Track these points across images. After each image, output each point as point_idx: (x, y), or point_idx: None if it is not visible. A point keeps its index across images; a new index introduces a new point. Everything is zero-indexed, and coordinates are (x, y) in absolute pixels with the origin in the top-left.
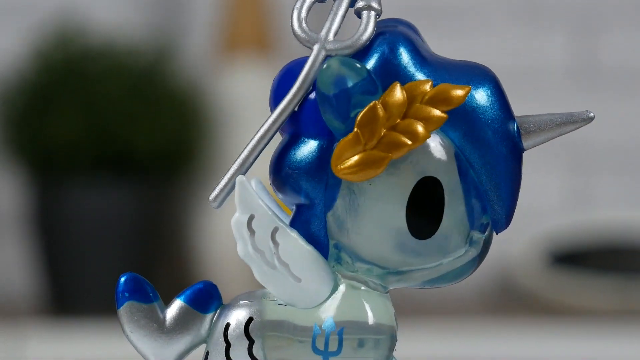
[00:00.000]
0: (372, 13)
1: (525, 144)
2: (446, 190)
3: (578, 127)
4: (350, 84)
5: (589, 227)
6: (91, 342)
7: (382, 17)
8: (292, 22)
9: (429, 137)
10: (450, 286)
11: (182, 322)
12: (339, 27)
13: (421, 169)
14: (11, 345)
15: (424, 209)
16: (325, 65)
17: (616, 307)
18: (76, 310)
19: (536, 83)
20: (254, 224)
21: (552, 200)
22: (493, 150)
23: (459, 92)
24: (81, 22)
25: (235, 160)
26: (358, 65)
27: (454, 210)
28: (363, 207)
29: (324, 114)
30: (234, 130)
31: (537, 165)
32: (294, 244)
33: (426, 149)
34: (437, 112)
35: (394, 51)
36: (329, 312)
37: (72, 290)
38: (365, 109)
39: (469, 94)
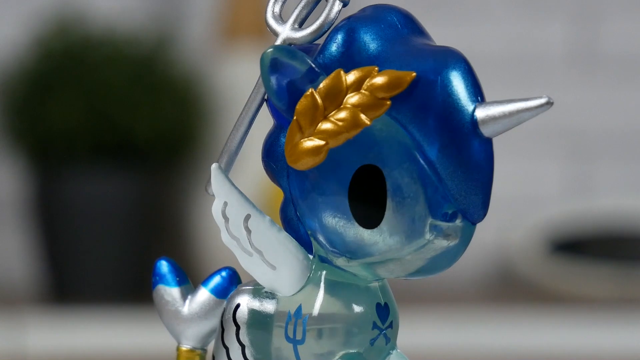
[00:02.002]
0: (336, 1)
1: (485, 131)
2: (388, 178)
3: (537, 113)
4: (282, 72)
5: (589, 214)
6: (91, 330)
7: (380, 2)
8: (265, 12)
9: (367, 124)
10: (450, 274)
11: (203, 308)
12: (305, 16)
13: (362, 157)
14: (11, 333)
15: (365, 198)
16: (261, 55)
17: (616, 295)
18: (76, 297)
19: (535, 71)
20: (227, 210)
21: (552, 187)
22: (446, 138)
23: (400, 78)
24: (81, 9)
25: (223, 149)
26: (292, 53)
27: (400, 199)
28: (314, 196)
29: (273, 102)
30: (233, 118)
31: (536, 153)
32: (266, 230)
33: (367, 136)
34: (377, 99)
35: (349, 38)
36: (300, 300)
37: (71, 278)
38: (303, 97)
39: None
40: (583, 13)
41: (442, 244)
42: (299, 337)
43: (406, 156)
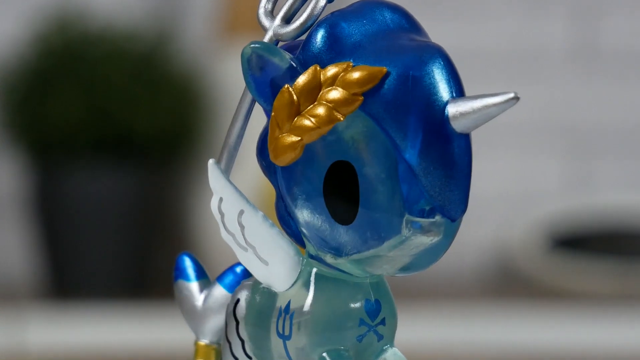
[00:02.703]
0: None
1: (456, 126)
2: (361, 174)
3: (504, 109)
4: (261, 68)
5: (589, 210)
6: (91, 326)
7: None
8: (258, 7)
9: (340, 119)
10: (450, 269)
11: (217, 303)
12: (293, 12)
13: (335, 153)
14: (11, 329)
15: (339, 194)
16: (241, 52)
17: (616, 291)
18: (76, 293)
19: (536, 67)
20: (222, 206)
21: (552, 183)
22: (418, 134)
23: (371, 74)
24: (81, 6)
25: (223, 145)
26: (271, 50)
27: (373, 195)
28: (297, 192)
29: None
30: (232, 114)
31: (536, 149)
32: (259, 226)
33: (341, 132)
34: (347, 95)
35: (329, 34)
36: (290, 296)
37: (72, 274)
38: (279, 93)
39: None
40: (583, 9)
41: (423, 240)
42: (286, 332)
43: (379, 152)
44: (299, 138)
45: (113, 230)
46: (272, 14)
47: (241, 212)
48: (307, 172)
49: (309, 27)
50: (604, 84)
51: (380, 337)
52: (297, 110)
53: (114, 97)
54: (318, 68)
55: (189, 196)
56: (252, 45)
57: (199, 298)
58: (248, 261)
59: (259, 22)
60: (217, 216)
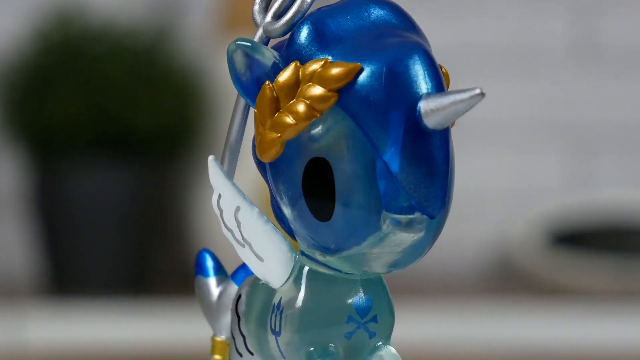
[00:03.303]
0: None
1: (427, 123)
2: (336, 170)
3: (471, 105)
4: (242, 65)
5: (589, 207)
6: (91, 322)
7: None
8: (253, 4)
9: (316, 116)
10: (450, 266)
11: (228, 299)
12: (285, 8)
13: (312, 150)
14: (11, 325)
15: (316, 190)
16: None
17: (616, 288)
18: (76, 289)
19: (535, 64)
20: (221, 202)
21: (552, 180)
22: (392, 130)
23: (345, 70)
24: (81, 3)
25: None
26: (254, 47)
27: (349, 191)
28: (282, 188)
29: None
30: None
31: (536, 146)
32: (254, 222)
33: (318, 129)
34: (322, 91)
35: (312, 30)
36: (282, 292)
37: (71, 270)
38: (260, 90)
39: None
40: (583, 6)
41: (404, 237)
42: (277, 328)
43: (356, 149)
44: (279, 135)
45: (113, 227)
46: (265, 11)
47: (238, 209)
48: (289, 168)
49: (296, 23)
50: (603, 81)
51: (372, 335)
52: (277, 106)
53: (114, 94)
54: (298, 64)
55: (189, 193)
56: (236, 43)
57: (214, 294)
58: (246, 257)
59: (253, 19)
60: (217, 212)
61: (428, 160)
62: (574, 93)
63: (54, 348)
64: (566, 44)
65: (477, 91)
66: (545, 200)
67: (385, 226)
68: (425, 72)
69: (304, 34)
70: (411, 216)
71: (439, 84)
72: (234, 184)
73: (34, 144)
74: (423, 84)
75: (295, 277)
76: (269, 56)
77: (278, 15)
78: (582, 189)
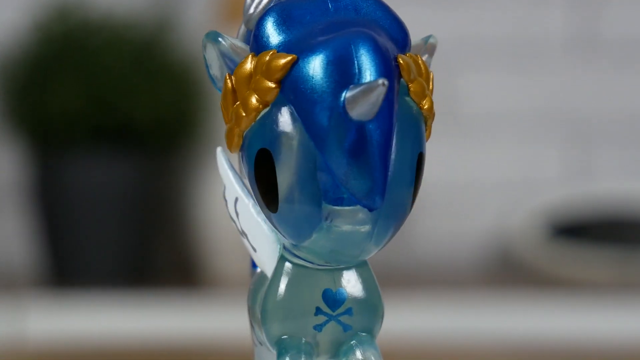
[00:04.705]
0: None
1: (351, 113)
2: (277, 161)
3: (378, 95)
4: (211, 57)
5: (589, 199)
6: (91, 314)
7: None
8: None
9: (259, 107)
10: (450, 257)
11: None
12: (264, 2)
13: (260, 141)
14: (11, 317)
15: (263, 182)
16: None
17: (616, 280)
18: (76, 281)
19: (535, 55)
20: (225, 193)
21: (552, 172)
22: (323, 121)
23: (280, 62)
24: None
25: None
26: (219, 40)
27: (290, 182)
28: (249, 182)
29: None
30: None
31: (536, 137)
32: (248, 213)
33: (266, 120)
34: (267, 83)
35: (270, 21)
36: (266, 283)
37: (72, 262)
38: (223, 83)
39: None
40: None
41: (349, 229)
42: (258, 320)
43: (294, 139)
44: (236, 126)
45: (113, 219)
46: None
47: (236, 200)
48: (248, 159)
49: (254, 16)
50: (603, 73)
51: (346, 328)
52: (235, 98)
53: (114, 85)
54: (253, 56)
55: (189, 184)
56: (206, 36)
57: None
58: (246, 247)
59: (243, 12)
60: (224, 202)
61: (360, 153)
62: (574, 85)
63: (54, 340)
64: (566, 36)
65: (380, 82)
66: (545, 192)
67: (327, 218)
68: (360, 63)
69: (262, 25)
70: (350, 208)
71: (379, 74)
72: (236, 175)
73: (33, 136)
74: (351, 75)
75: (275, 269)
76: (235, 49)
77: (256, 8)
78: (582, 181)
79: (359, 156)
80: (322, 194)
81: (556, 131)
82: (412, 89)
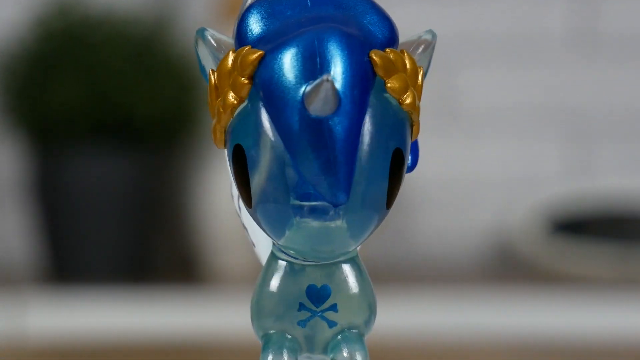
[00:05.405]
0: None
1: (309, 109)
2: (248, 156)
3: (326, 90)
4: (201, 52)
5: (589, 195)
6: (91, 310)
7: None
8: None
9: (234, 103)
10: (450, 253)
11: None
12: None
13: (236, 136)
14: (11, 312)
15: (239, 177)
16: None
17: (616, 275)
18: (76, 277)
19: (535, 51)
20: (232, 189)
21: (553, 168)
22: (285, 117)
23: (250, 57)
24: None
25: None
26: (205, 37)
27: (260, 178)
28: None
29: None
30: None
31: (536, 133)
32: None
33: (240, 117)
34: (240, 79)
35: (248, 18)
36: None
37: (72, 258)
38: (208, 79)
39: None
40: None
41: (318, 225)
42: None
43: (263, 135)
44: (218, 122)
45: (113, 215)
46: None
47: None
48: (228, 155)
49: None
50: (604, 69)
51: (331, 324)
52: (217, 94)
53: (114, 82)
54: (230, 52)
55: (189, 180)
56: (196, 32)
57: None
58: (250, 242)
59: (240, 8)
60: (231, 198)
61: (321, 148)
62: (574, 81)
63: (54, 335)
64: (566, 32)
65: (324, 77)
66: (545, 188)
67: (296, 214)
68: (323, 59)
69: (243, 20)
70: (315, 203)
71: (343, 70)
72: None
73: (34, 132)
74: (317, 71)
75: (265, 265)
76: (220, 45)
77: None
78: (582, 177)
79: (320, 152)
80: (291, 190)
81: (556, 127)
82: (388, 84)
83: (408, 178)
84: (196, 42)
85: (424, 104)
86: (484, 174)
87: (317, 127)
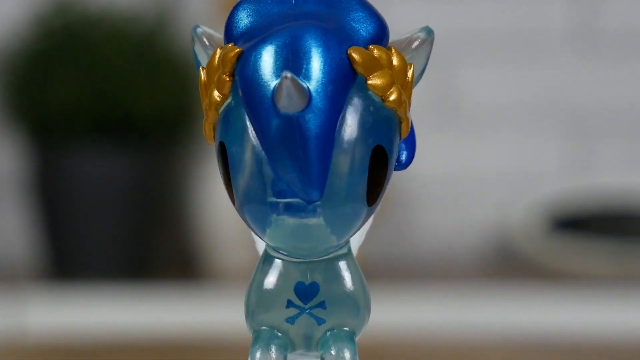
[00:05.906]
0: None
1: (279, 106)
2: (229, 154)
3: (289, 87)
4: (197, 48)
5: (589, 192)
6: (91, 307)
7: None
8: None
9: (217, 100)
10: (450, 250)
11: None
12: None
13: (219, 134)
14: (11, 310)
15: (223, 173)
16: None
17: (616, 272)
18: (76, 274)
19: (535, 48)
20: None
21: (552, 165)
22: (257, 114)
23: (229, 54)
24: None
25: None
26: (198, 34)
27: (241, 175)
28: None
29: None
30: None
31: (536, 130)
32: None
33: (223, 114)
34: (222, 76)
35: (236, 15)
36: None
37: (72, 255)
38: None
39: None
40: None
41: (295, 222)
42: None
43: (242, 132)
44: (206, 119)
45: (113, 212)
46: None
47: None
48: (215, 152)
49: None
50: (603, 66)
51: (320, 321)
52: (206, 91)
53: (114, 78)
54: (218, 49)
55: (189, 177)
56: (191, 29)
57: None
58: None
59: None
60: None
61: (292, 145)
62: (574, 78)
63: (54, 332)
64: (566, 29)
65: (284, 74)
66: (545, 185)
67: (273, 211)
68: (295, 56)
69: (230, 17)
70: (291, 200)
71: (317, 67)
72: None
73: (34, 129)
74: (281, 67)
75: (258, 262)
76: (212, 41)
77: None
78: (582, 174)
79: (292, 148)
80: (267, 187)
81: (556, 124)
82: (370, 81)
83: (407, 175)
84: (192, 40)
85: (424, 101)
86: (484, 171)
87: (287, 124)
